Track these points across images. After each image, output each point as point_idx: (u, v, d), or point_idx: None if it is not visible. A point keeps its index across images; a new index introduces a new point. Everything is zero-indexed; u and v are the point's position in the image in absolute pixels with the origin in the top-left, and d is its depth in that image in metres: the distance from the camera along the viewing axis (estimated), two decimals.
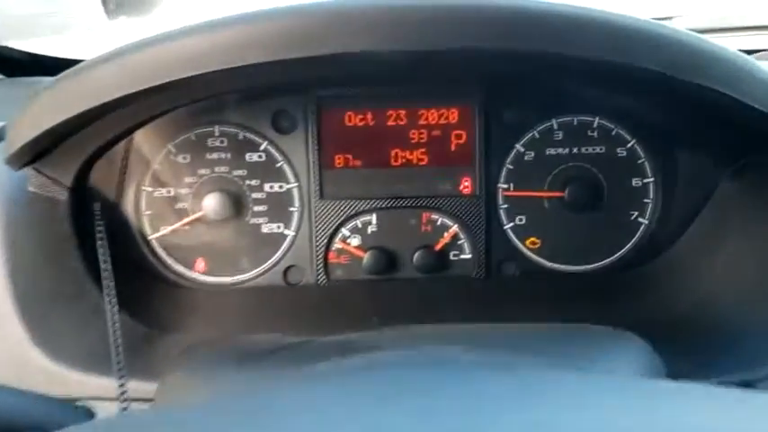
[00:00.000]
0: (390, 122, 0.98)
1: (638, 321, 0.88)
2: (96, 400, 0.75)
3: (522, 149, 0.99)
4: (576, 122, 0.98)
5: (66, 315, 0.82)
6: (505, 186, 0.99)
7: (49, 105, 0.78)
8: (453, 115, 0.98)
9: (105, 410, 0.71)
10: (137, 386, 0.76)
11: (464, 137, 0.98)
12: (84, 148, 0.86)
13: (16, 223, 0.85)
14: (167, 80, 0.70)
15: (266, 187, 0.98)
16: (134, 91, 0.72)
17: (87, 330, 0.82)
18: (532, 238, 1.00)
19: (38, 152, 0.82)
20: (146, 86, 0.71)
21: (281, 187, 0.98)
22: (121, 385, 0.69)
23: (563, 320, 0.87)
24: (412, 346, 0.63)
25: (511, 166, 0.99)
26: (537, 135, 0.99)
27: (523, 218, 1.00)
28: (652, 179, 0.99)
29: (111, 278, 0.79)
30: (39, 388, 0.76)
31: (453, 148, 0.98)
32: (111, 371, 0.77)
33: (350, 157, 0.98)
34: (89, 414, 0.52)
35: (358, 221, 0.99)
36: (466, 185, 0.99)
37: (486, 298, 0.98)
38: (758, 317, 0.79)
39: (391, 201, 0.98)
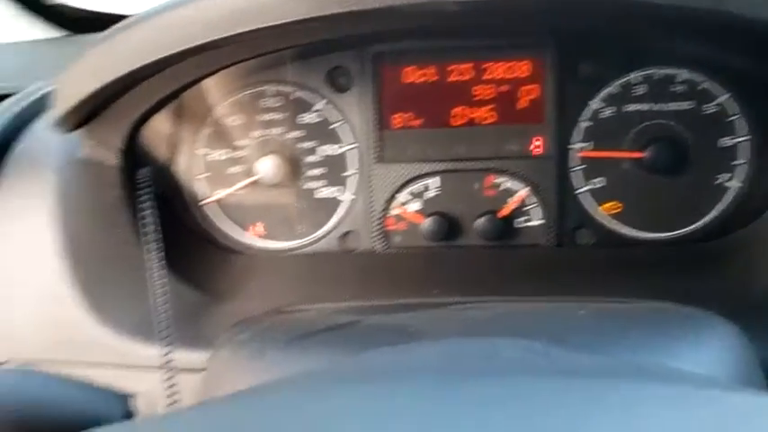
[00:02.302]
0: (453, 78, 0.91)
1: (725, 297, 0.80)
2: (142, 369, 0.74)
3: (599, 106, 0.90)
4: (659, 76, 0.89)
5: (118, 281, 0.81)
6: (580, 146, 0.91)
7: (93, 66, 0.75)
8: (523, 69, 0.90)
9: (150, 382, 0.69)
10: (186, 356, 0.74)
11: (535, 92, 0.90)
12: (134, 109, 0.84)
13: (69, 188, 0.84)
14: (213, 38, 0.66)
15: (321, 150, 0.93)
16: (180, 50, 0.69)
17: (138, 297, 0.80)
18: (609, 203, 0.92)
19: (85, 115, 0.79)
20: (191, 45, 0.67)
21: (336, 149, 0.93)
22: (166, 354, 0.67)
23: (640, 295, 0.80)
24: (473, 335, 0.58)
25: (586, 124, 0.90)
26: (615, 90, 0.89)
27: (600, 181, 0.91)
28: (746, 138, 0.89)
29: (159, 246, 0.77)
30: (88, 354, 0.76)
31: (523, 104, 0.90)
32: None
33: (410, 116, 0.92)
34: (125, 402, 0.49)
35: (418, 185, 0.93)
36: (537, 145, 0.91)
37: (558, 269, 0.91)
38: None
39: (453, 163, 0.92)
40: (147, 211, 0.78)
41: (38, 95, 0.99)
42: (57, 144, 0.87)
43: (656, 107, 0.89)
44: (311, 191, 0.94)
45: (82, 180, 0.84)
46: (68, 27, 1.47)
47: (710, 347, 0.59)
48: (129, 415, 0.46)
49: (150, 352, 0.76)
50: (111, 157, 0.85)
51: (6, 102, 0.97)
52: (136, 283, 0.82)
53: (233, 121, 0.94)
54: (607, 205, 0.92)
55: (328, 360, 0.53)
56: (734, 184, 0.90)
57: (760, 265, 0.84)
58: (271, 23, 0.61)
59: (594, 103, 0.90)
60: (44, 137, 0.89)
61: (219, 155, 0.94)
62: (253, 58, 0.85)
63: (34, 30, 1.44)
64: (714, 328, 0.62)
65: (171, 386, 0.63)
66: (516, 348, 0.52)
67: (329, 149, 0.93)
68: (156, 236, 0.76)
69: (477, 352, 0.52)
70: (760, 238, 0.88)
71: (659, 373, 0.47)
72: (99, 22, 1.46)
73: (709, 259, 0.89)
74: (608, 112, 0.90)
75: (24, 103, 0.96)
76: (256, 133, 0.94)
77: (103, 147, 0.84)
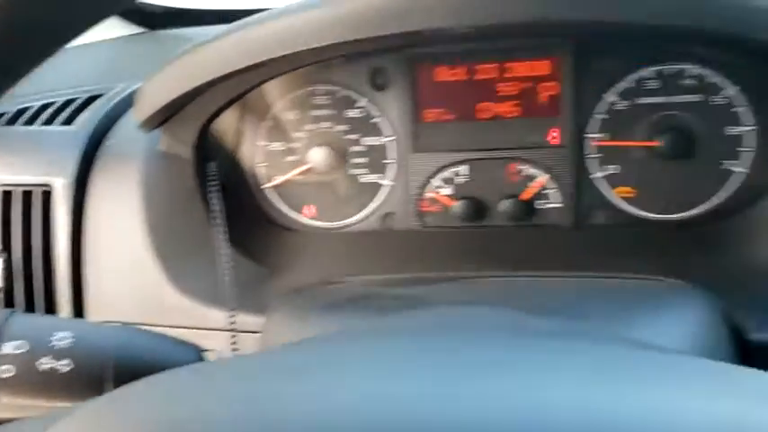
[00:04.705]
0: (480, 76, 1.01)
1: (731, 272, 0.89)
2: (211, 330, 0.90)
3: (613, 99, 0.99)
4: (670, 71, 0.97)
5: (194, 257, 0.97)
6: (595, 136, 1.01)
7: (170, 78, 0.89)
8: (543, 67, 1.00)
9: (217, 341, 0.85)
10: (247, 319, 0.89)
11: (553, 89, 1.00)
12: (204, 110, 0.98)
13: (151, 178, 0.99)
14: (274, 56, 0.80)
15: (364, 141, 1.06)
16: (251, 63, 0.83)
17: (211, 270, 0.96)
18: (623, 188, 1.01)
19: (163, 117, 0.95)
20: (260, 60, 0.82)
21: (377, 141, 1.06)
22: (231, 317, 0.82)
23: (650, 271, 0.90)
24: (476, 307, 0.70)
25: (601, 116, 1.00)
26: (629, 84, 0.98)
27: (614, 168, 1.01)
28: (752, 128, 0.96)
29: (225, 226, 0.92)
30: (167, 318, 0.92)
31: (542, 99, 1.01)
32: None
33: (441, 111, 1.03)
34: (200, 355, 0.63)
35: (449, 172, 1.05)
36: (554, 136, 1.01)
37: (575, 247, 1.01)
38: None
39: (481, 152, 1.03)
40: (215, 198, 0.93)
41: (123, 95, 1.15)
42: (140, 140, 1.03)
43: (668, 100, 0.98)
44: (356, 176, 1.07)
45: (162, 171, 1.00)
46: (146, 24, 1.63)
47: (674, 319, 0.69)
48: None
49: (218, 316, 0.92)
50: (186, 150, 1.00)
51: (97, 102, 1.13)
52: (206, 257, 0.97)
53: (289, 116, 1.08)
54: (621, 189, 1.01)
55: (350, 323, 0.67)
56: (739, 169, 0.98)
57: (760, 243, 0.93)
58: (327, 43, 0.75)
59: (609, 97, 0.99)
60: (129, 133, 1.05)
61: (277, 146, 1.09)
62: (307, 65, 0.98)
63: (113, 28, 1.61)
64: (688, 301, 0.72)
65: (234, 344, 0.78)
66: (493, 315, 0.64)
67: (371, 140, 1.06)
68: (222, 218, 0.91)
69: (457, 317, 0.64)
70: (762, 219, 0.96)
71: (602, 336, 0.58)
72: (175, 18, 1.62)
73: (715, 239, 0.98)
74: (622, 105, 0.99)
75: (112, 103, 1.12)
76: (309, 127, 1.07)
77: (179, 142, 0.99)
